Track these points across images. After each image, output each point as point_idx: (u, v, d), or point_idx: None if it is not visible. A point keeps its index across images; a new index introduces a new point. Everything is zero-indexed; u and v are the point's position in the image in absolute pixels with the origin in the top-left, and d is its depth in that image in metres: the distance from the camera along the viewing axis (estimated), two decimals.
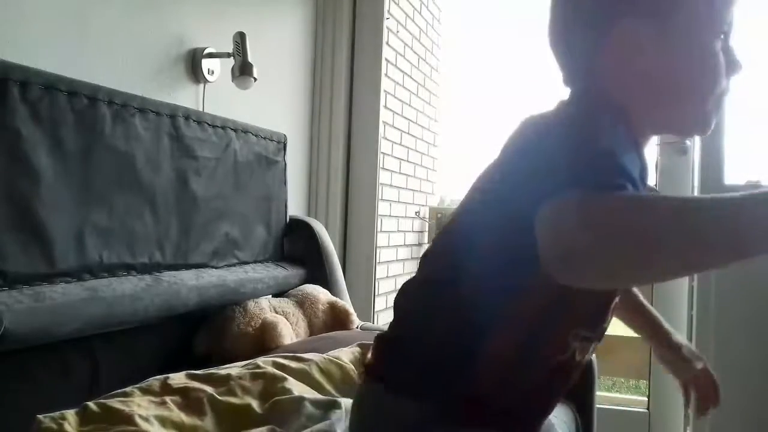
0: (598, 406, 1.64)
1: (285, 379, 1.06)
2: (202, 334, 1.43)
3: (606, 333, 0.78)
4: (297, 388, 1.04)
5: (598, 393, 1.68)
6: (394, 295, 0.81)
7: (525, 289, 0.67)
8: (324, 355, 1.17)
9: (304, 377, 1.10)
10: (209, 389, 1.02)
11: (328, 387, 1.10)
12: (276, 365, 1.11)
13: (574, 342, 0.71)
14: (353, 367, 1.17)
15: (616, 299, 0.76)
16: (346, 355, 1.20)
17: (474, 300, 0.70)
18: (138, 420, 0.90)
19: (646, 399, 2.18)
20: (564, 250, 0.53)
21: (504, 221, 0.67)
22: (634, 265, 0.53)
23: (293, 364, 1.13)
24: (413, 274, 0.81)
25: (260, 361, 1.13)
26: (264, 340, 1.40)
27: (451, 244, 0.77)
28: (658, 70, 0.69)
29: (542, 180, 0.58)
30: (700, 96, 0.71)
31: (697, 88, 0.71)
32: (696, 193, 1.98)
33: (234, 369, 1.10)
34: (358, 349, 1.26)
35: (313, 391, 1.06)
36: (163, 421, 0.92)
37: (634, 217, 0.53)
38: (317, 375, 1.11)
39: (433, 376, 0.71)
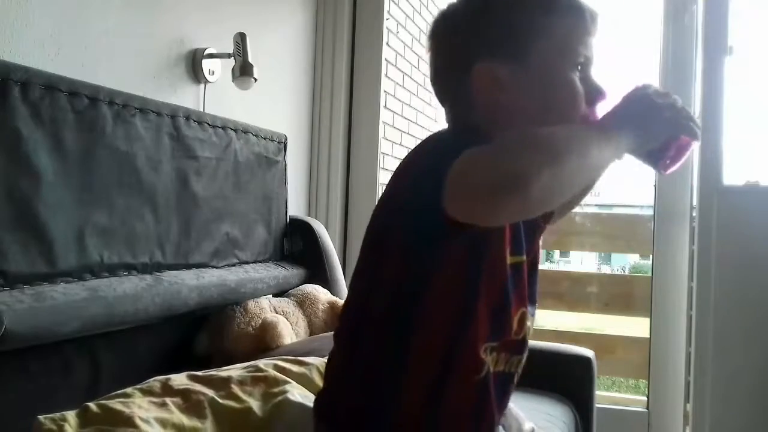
0: (597, 405, 1.64)
1: (287, 382, 1.06)
2: (203, 334, 1.43)
3: (528, 346, 0.82)
4: (298, 391, 1.04)
5: (598, 392, 1.69)
6: None
7: (426, 314, 0.73)
8: (325, 359, 1.17)
9: (305, 381, 1.09)
10: (210, 392, 1.01)
11: None
12: (277, 368, 1.11)
13: (486, 357, 0.75)
14: None
15: (523, 309, 0.79)
16: None
17: (382, 346, 0.76)
18: (138, 422, 0.89)
19: (646, 398, 2.18)
20: (506, 174, 0.61)
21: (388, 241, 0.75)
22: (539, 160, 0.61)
23: (294, 368, 1.12)
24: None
25: (261, 363, 1.12)
26: (264, 340, 1.40)
27: (349, 303, 0.84)
28: (518, 104, 0.76)
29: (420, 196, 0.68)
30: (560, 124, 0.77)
31: (556, 117, 0.76)
32: (695, 196, 1.98)
33: (235, 371, 1.10)
34: None
35: (314, 397, 1.06)
36: (163, 423, 0.92)
37: (520, 137, 0.65)
38: (317, 379, 1.11)
39: (360, 425, 0.76)
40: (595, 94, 0.78)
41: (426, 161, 0.71)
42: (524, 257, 0.78)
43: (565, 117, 0.76)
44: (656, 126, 0.73)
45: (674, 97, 0.76)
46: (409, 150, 0.79)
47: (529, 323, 0.80)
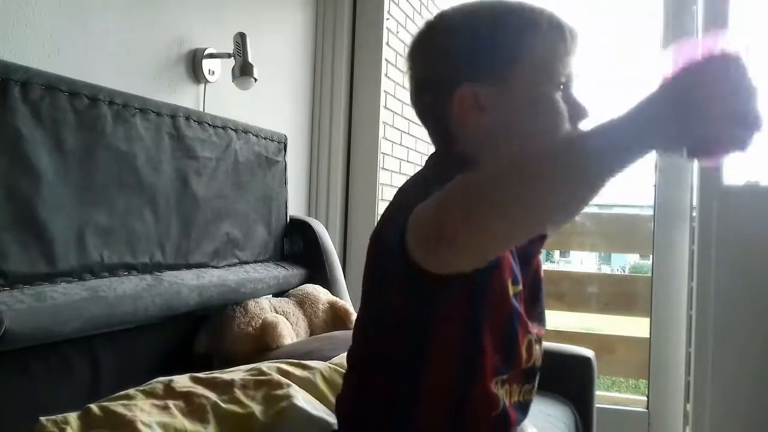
0: (597, 405, 1.64)
1: (289, 385, 1.05)
2: (203, 334, 1.43)
3: (537, 375, 0.81)
4: (302, 395, 1.03)
5: (598, 392, 1.69)
6: None
7: (431, 354, 0.72)
8: (328, 364, 1.17)
9: (308, 386, 1.09)
10: (213, 396, 1.01)
11: (331, 398, 1.10)
12: (280, 372, 1.10)
13: (500, 390, 0.74)
14: None
15: (530, 336, 0.78)
16: None
17: (392, 386, 0.74)
18: (140, 426, 0.89)
19: (646, 398, 2.19)
20: (435, 228, 0.56)
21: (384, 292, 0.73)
22: (501, 204, 0.54)
23: (298, 372, 1.12)
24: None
25: (265, 366, 1.12)
26: (264, 340, 1.40)
27: (356, 342, 0.82)
28: (501, 126, 0.75)
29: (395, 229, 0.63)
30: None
31: (539, 137, 0.75)
32: (695, 196, 1.98)
33: (238, 374, 1.09)
34: None
35: (318, 403, 1.06)
36: (165, 427, 0.91)
37: (485, 173, 0.56)
38: (321, 384, 1.11)
39: None
40: (577, 112, 0.77)
41: (399, 203, 0.70)
42: (520, 287, 0.77)
43: (548, 137, 0.75)
44: (697, 122, 0.50)
45: (749, 83, 0.50)
46: (408, 175, 0.78)
47: (537, 348, 0.79)
